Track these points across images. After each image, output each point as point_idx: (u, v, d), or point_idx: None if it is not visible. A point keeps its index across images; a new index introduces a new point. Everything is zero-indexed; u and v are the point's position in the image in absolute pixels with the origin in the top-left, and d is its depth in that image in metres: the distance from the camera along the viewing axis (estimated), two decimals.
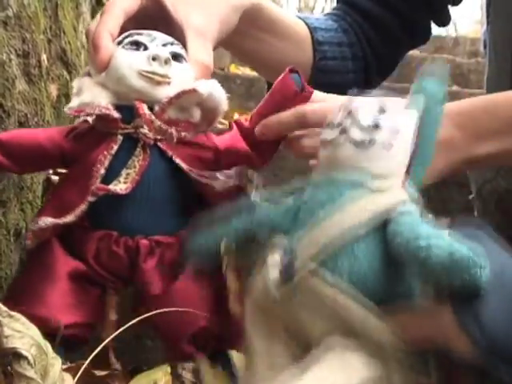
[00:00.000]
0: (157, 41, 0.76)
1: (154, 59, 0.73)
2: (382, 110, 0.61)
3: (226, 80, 2.25)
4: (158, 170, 0.75)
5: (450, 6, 1.21)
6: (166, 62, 0.74)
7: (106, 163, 0.73)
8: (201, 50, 0.82)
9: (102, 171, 0.73)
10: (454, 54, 3.65)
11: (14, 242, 0.95)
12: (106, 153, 0.73)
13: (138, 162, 0.73)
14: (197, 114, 0.77)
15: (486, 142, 0.78)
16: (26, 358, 0.55)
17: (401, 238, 0.56)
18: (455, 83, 3.00)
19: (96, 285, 0.76)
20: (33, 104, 1.00)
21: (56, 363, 0.58)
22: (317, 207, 0.60)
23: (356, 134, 0.60)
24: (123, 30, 0.80)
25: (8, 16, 0.91)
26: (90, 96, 0.74)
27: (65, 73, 1.28)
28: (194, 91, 0.74)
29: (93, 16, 1.70)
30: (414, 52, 3.32)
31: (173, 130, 0.74)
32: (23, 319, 0.58)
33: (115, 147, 0.74)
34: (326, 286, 0.57)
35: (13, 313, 0.57)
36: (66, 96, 1.30)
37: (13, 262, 0.95)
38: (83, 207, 0.72)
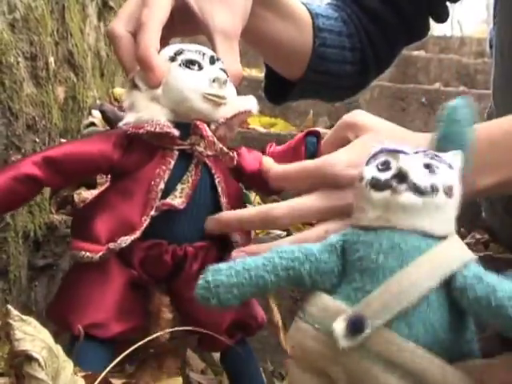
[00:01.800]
0: (206, 57, 0.77)
1: (214, 81, 0.75)
2: (430, 168, 0.61)
3: None
4: (203, 184, 0.77)
5: (448, 3, 1.21)
6: (224, 83, 0.76)
7: (166, 178, 0.74)
8: (232, 58, 0.82)
9: (162, 186, 0.74)
10: (461, 54, 3.65)
11: (23, 245, 0.95)
12: (164, 167, 0.74)
13: (190, 178, 0.75)
14: (236, 129, 0.80)
15: (504, 170, 0.75)
16: (36, 360, 0.55)
17: (475, 292, 0.56)
18: (462, 84, 3.00)
19: (142, 290, 0.78)
20: (40, 107, 1.00)
21: (68, 366, 0.58)
22: (379, 253, 0.59)
23: (411, 195, 0.60)
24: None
25: (15, 19, 0.91)
26: (148, 113, 0.74)
27: (72, 75, 1.29)
28: (249, 112, 0.78)
29: (99, 18, 1.70)
30: (419, 52, 3.33)
31: (235, 155, 0.78)
32: (35, 322, 0.58)
33: (172, 162, 0.75)
34: (400, 340, 0.57)
35: (25, 317, 0.57)
36: (73, 98, 1.31)
37: (21, 265, 0.95)
38: (147, 222, 0.74)
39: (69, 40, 1.26)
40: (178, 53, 0.77)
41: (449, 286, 0.58)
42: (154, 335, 0.74)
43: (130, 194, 0.75)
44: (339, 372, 0.59)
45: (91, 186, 1.19)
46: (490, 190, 0.76)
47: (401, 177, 0.60)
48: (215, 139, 0.75)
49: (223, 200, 0.78)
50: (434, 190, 0.59)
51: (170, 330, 0.76)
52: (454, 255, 0.59)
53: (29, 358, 0.56)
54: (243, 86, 2.50)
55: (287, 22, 1.08)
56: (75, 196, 1.15)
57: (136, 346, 0.71)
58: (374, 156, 0.64)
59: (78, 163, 0.75)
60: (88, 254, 0.73)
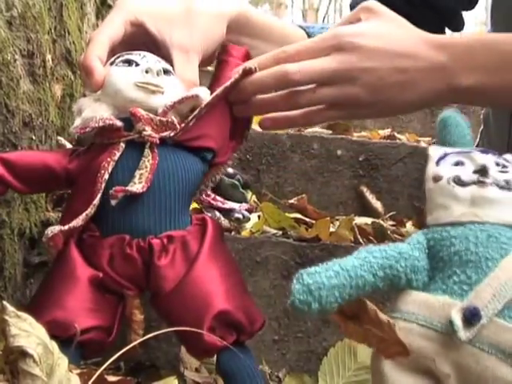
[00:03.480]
0: (147, 58, 0.81)
1: (147, 72, 0.79)
2: (500, 166, 0.64)
3: None
4: (164, 168, 0.77)
5: (463, 12, 1.22)
6: (158, 73, 0.79)
7: (110, 168, 0.76)
8: (186, 68, 0.86)
9: (106, 176, 0.75)
10: None
11: (18, 242, 0.95)
12: (109, 159, 0.76)
13: (148, 162, 0.76)
14: (189, 119, 0.81)
15: (478, 75, 0.81)
16: (31, 356, 0.55)
17: None
18: None
19: (113, 292, 0.78)
20: (37, 104, 1.00)
21: (62, 363, 0.58)
22: (478, 245, 0.61)
23: (496, 190, 0.62)
24: (114, 55, 0.84)
25: (13, 16, 0.91)
26: (91, 111, 0.78)
27: (69, 73, 1.28)
28: (196, 97, 0.80)
29: (97, 16, 1.70)
30: None
31: (174, 118, 0.79)
32: (30, 319, 0.58)
33: (117, 153, 0.77)
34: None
35: (20, 313, 0.58)
36: (70, 96, 1.30)
37: (17, 262, 0.95)
38: (89, 211, 0.75)
39: (66, 38, 1.26)
40: (118, 57, 0.82)
41: None
42: (147, 337, 0.73)
43: (79, 191, 0.78)
44: (448, 368, 0.59)
45: None
46: (467, 93, 0.83)
47: (483, 172, 0.62)
48: (151, 115, 0.77)
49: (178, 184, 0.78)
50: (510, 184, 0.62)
51: (161, 331, 0.74)
52: None
53: (24, 354, 0.56)
54: None
55: (279, 45, 1.09)
56: None
57: (135, 343, 0.71)
58: (443, 157, 0.66)
59: (32, 166, 0.79)
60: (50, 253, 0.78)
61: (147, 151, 0.77)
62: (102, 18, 1.75)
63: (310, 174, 1.55)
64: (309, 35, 1.12)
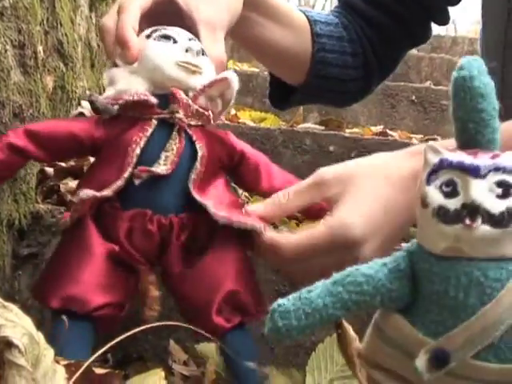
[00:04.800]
0: (182, 35, 0.81)
1: (187, 51, 0.78)
2: (503, 187, 0.55)
3: None
4: (188, 152, 0.78)
5: (448, 6, 1.21)
6: (198, 53, 0.79)
7: (142, 144, 0.76)
8: (214, 46, 0.85)
9: (138, 151, 0.76)
10: (452, 53, 3.65)
11: (7, 233, 0.95)
12: (141, 134, 0.76)
13: (175, 145, 0.77)
14: (219, 104, 0.82)
15: None
16: (17, 346, 0.55)
17: None
18: None
19: (127, 267, 0.78)
20: (28, 95, 1.00)
21: (48, 354, 0.58)
22: (458, 290, 0.56)
23: (486, 228, 0.55)
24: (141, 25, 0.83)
25: (4, 6, 0.91)
26: (126, 84, 0.78)
27: (61, 65, 1.28)
28: (225, 80, 0.79)
29: (91, 9, 1.70)
30: (411, 51, 3.33)
31: (210, 113, 0.79)
32: (16, 309, 0.58)
33: (150, 130, 0.77)
34: (489, 366, 0.56)
35: (6, 303, 0.57)
36: (62, 88, 1.30)
37: (5, 253, 0.95)
38: (120, 183, 0.75)
39: (59, 29, 1.26)
40: (154, 31, 0.81)
41: None
42: (136, 330, 0.73)
43: (107, 161, 0.78)
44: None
45: (78, 175, 1.19)
46: None
47: (473, 208, 0.54)
48: (190, 101, 0.77)
49: (198, 167, 0.78)
50: (510, 215, 0.54)
51: (161, 324, 0.74)
52: None
53: (9, 345, 0.56)
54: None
55: (286, 30, 1.10)
56: (61, 186, 1.15)
57: (122, 336, 0.70)
58: (436, 172, 0.58)
59: (60, 137, 0.78)
60: (64, 220, 0.76)
61: (175, 134, 0.77)
62: (96, 11, 1.74)
63: (302, 170, 1.54)
64: (309, 19, 1.13)
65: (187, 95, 0.78)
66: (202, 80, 0.79)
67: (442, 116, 2.38)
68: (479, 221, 0.54)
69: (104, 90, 1.68)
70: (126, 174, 0.75)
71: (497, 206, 0.54)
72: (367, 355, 0.64)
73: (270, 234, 0.77)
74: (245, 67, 2.88)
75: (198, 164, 0.78)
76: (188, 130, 0.78)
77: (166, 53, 0.78)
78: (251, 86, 2.37)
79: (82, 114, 1.40)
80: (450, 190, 0.56)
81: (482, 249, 0.55)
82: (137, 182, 0.75)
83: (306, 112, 2.28)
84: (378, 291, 0.60)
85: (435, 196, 0.56)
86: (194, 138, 0.78)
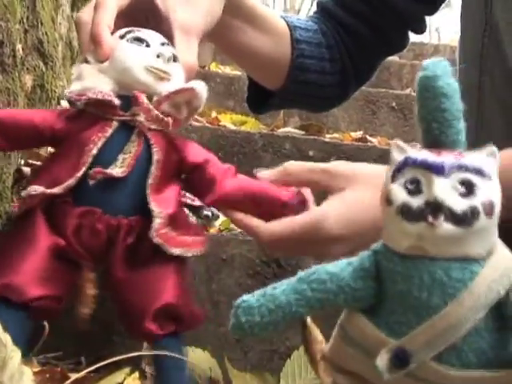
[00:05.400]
0: (156, 39, 0.80)
1: (158, 56, 0.78)
2: (467, 186, 0.55)
3: (205, 78, 2.25)
4: (144, 156, 0.78)
5: (425, 15, 1.22)
6: (169, 59, 0.79)
7: (99, 144, 0.76)
8: (187, 51, 0.85)
9: (95, 151, 0.76)
10: None
11: None
12: (100, 134, 0.76)
13: (133, 148, 0.77)
14: (184, 112, 0.81)
15: None
16: None
17: None
18: None
19: (70, 262, 0.77)
20: (5, 94, 0.99)
21: (15, 356, 0.57)
22: (422, 290, 0.56)
23: (449, 226, 0.54)
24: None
25: None
26: (92, 82, 0.78)
27: (41, 64, 1.27)
28: (192, 90, 0.79)
29: (72, 8, 1.69)
30: (393, 58, 3.34)
31: (169, 120, 0.79)
32: None
33: (110, 130, 0.77)
34: (450, 371, 0.56)
35: None
36: (41, 87, 1.29)
37: None
38: (72, 182, 0.75)
39: (39, 28, 1.25)
40: (129, 32, 0.80)
41: (498, 309, 0.56)
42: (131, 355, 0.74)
43: (64, 156, 0.78)
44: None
45: None
46: None
47: (436, 206, 0.54)
48: (151, 106, 0.77)
49: (154, 172, 0.77)
50: (474, 215, 0.54)
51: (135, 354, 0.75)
52: (500, 278, 0.56)
53: None
54: (217, 83, 2.50)
55: (265, 35, 1.10)
56: None
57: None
58: (401, 169, 0.57)
59: (20, 126, 0.78)
60: (14, 209, 0.77)
61: (134, 137, 0.78)
62: (77, 10, 1.73)
63: None
64: (289, 25, 1.13)
65: (151, 100, 0.78)
66: (170, 86, 0.79)
67: None
68: (442, 218, 0.54)
69: None
70: (80, 174, 0.75)
71: (460, 204, 0.54)
72: (331, 357, 0.64)
73: (251, 219, 0.80)
74: (227, 70, 2.87)
75: (153, 168, 0.78)
76: (147, 134, 0.78)
77: (137, 56, 0.78)
78: (233, 89, 2.37)
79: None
80: (414, 188, 0.55)
81: (445, 248, 0.55)
82: (91, 182, 0.75)
83: (287, 116, 2.29)
84: (342, 290, 0.60)
85: (399, 193, 0.56)
86: (152, 142, 0.78)
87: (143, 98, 0.77)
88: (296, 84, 1.15)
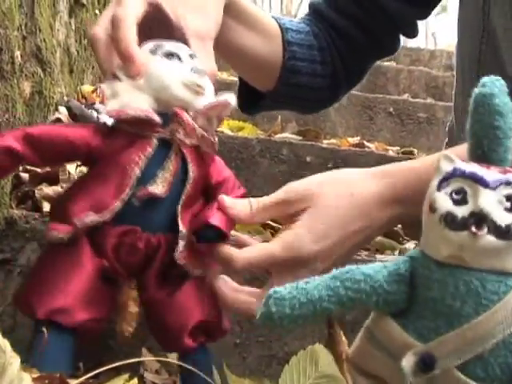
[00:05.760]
0: (184, 52, 0.80)
1: (193, 70, 0.78)
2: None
3: None
4: (180, 173, 0.78)
5: (416, 20, 1.22)
6: (203, 74, 0.79)
7: (142, 165, 0.76)
8: (206, 58, 0.85)
9: (138, 172, 0.75)
10: (430, 66, 3.69)
11: None
12: (141, 154, 0.76)
13: (171, 166, 0.77)
14: (215, 124, 0.81)
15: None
16: None
17: None
18: (430, 95, 3.03)
19: (111, 280, 0.78)
20: (4, 100, 0.99)
21: (14, 362, 0.57)
22: (455, 299, 0.57)
23: (492, 239, 0.55)
24: None
25: None
26: (129, 98, 0.77)
27: (39, 70, 1.28)
28: (227, 104, 0.80)
29: (70, 15, 1.69)
30: (390, 63, 3.36)
31: (211, 138, 0.79)
32: None
33: (150, 150, 0.76)
34: (474, 381, 0.56)
35: None
36: (39, 93, 1.30)
37: None
38: (118, 205, 0.75)
39: (37, 35, 1.25)
40: (159, 46, 0.80)
41: None
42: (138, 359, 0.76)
43: (104, 177, 0.77)
44: None
45: (53, 181, 1.18)
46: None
47: (480, 217, 0.55)
48: (196, 126, 0.77)
49: (188, 189, 0.78)
50: None
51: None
52: None
53: None
54: (214, 89, 2.50)
55: (257, 36, 1.10)
56: (36, 192, 1.14)
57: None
58: (447, 179, 0.58)
59: (57, 143, 0.77)
60: (57, 233, 0.75)
61: (172, 153, 0.77)
62: (75, 17, 1.74)
63: (278, 180, 1.55)
64: (281, 27, 1.13)
65: (188, 114, 0.78)
66: (204, 100, 0.79)
67: (418, 128, 2.40)
68: (485, 230, 0.55)
69: (82, 96, 1.68)
70: (125, 196, 0.75)
71: (504, 218, 0.55)
72: (355, 359, 0.64)
73: (223, 247, 0.79)
74: (224, 76, 2.88)
75: (188, 186, 0.78)
76: (183, 150, 0.78)
77: (174, 72, 0.78)
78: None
79: (59, 120, 1.39)
80: (460, 198, 0.57)
81: (484, 260, 0.56)
82: (137, 203, 0.75)
83: (285, 122, 2.29)
84: (375, 291, 0.60)
85: (444, 202, 0.57)
86: (188, 159, 0.78)
87: (185, 115, 0.76)
88: (287, 86, 1.15)
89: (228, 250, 0.79)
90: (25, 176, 1.19)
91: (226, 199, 0.80)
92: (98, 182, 0.77)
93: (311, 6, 1.23)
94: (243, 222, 0.83)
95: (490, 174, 0.57)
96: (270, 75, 1.14)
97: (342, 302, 0.60)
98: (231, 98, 0.80)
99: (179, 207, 0.77)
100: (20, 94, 1.10)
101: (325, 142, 2.11)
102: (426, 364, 0.57)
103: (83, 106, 1.44)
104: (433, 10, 1.19)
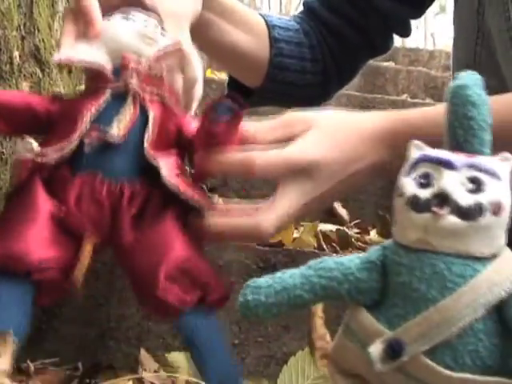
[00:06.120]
0: (139, 16, 0.82)
1: (146, 26, 0.81)
2: (476, 183, 0.57)
3: None
4: (141, 120, 0.78)
5: (410, 19, 1.22)
6: (156, 27, 0.81)
7: (93, 110, 0.76)
8: (179, 35, 0.85)
9: (88, 117, 0.76)
10: (429, 67, 3.68)
11: None
12: (94, 102, 0.77)
13: (128, 112, 0.77)
14: (179, 81, 0.82)
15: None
16: None
17: None
18: (429, 96, 3.03)
19: (73, 233, 0.74)
20: None
21: None
22: (422, 282, 0.57)
23: (454, 219, 0.56)
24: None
25: None
26: (83, 50, 0.79)
27: (38, 71, 1.28)
28: (179, 48, 0.80)
29: None
30: (388, 64, 3.36)
31: (162, 74, 0.80)
32: None
33: (103, 98, 0.77)
34: (442, 370, 0.56)
35: None
36: (38, 94, 1.30)
37: None
38: (66, 145, 0.75)
39: (36, 35, 1.25)
40: (125, 11, 0.83)
41: (499, 312, 0.57)
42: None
43: (60, 129, 0.77)
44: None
45: None
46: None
47: (442, 198, 0.56)
48: (140, 66, 0.78)
49: (150, 135, 0.77)
50: (479, 210, 0.56)
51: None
52: (501, 280, 0.56)
53: None
54: (213, 89, 2.51)
55: (243, 33, 1.10)
56: None
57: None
58: (414, 165, 0.60)
59: (17, 107, 0.78)
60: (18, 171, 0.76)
61: (129, 101, 0.78)
62: None
63: None
64: (267, 24, 1.13)
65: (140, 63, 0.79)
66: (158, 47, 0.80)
67: None
68: (446, 209, 0.56)
69: None
70: (74, 139, 0.75)
71: (466, 198, 0.56)
72: (334, 356, 0.64)
73: (240, 153, 0.79)
74: (223, 76, 2.88)
75: (150, 130, 0.77)
76: (143, 100, 0.78)
77: (126, 26, 0.80)
78: None
79: None
80: (425, 182, 0.58)
81: (449, 242, 0.57)
82: (87, 147, 0.75)
83: None
84: (346, 278, 0.61)
85: (409, 186, 0.58)
86: (147, 107, 0.78)
87: (131, 59, 0.78)
88: (275, 83, 1.15)
89: (247, 153, 0.79)
90: None
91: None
92: (54, 134, 0.78)
93: (305, 4, 1.23)
94: (248, 142, 0.82)
95: (455, 157, 0.58)
96: (257, 72, 1.14)
97: (315, 290, 0.61)
98: (184, 45, 0.81)
99: (146, 146, 0.76)
100: None
101: None
102: (394, 350, 0.57)
103: None
104: (427, 9, 1.19)
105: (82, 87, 1.79)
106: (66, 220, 0.74)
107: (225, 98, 0.78)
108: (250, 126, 0.81)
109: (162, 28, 0.84)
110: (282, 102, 1.25)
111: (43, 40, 1.30)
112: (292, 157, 0.79)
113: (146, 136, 0.77)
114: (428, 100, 2.82)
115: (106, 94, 0.78)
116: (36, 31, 1.24)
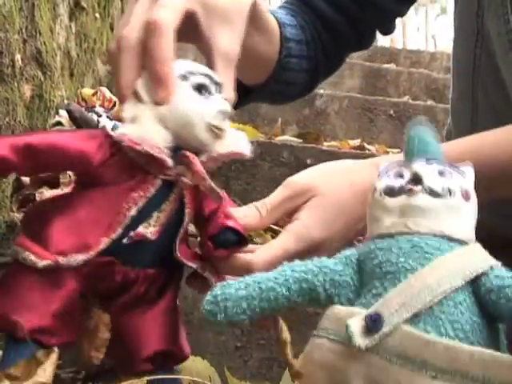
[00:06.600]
0: (213, 83, 0.73)
1: (219, 112, 0.72)
2: (444, 174, 0.60)
3: None
4: (175, 214, 0.73)
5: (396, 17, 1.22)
6: (227, 115, 0.73)
7: (140, 205, 0.70)
8: (229, 86, 0.78)
9: (134, 212, 0.70)
10: (431, 68, 3.69)
11: None
12: (142, 193, 0.70)
13: (168, 207, 0.72)
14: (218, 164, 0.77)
15: None
16: None
17: (506, 294, 0.55)
18: (430, 98, 3.03)
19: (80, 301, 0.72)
20: (4, 103, 0.99)
21: None
22: (400, 256, 0.58)
23: (427, 197, 0.59)
24: None
25: None
26: (150, 132, 0.70)
27: (39, 73, 1.28)
28: (241, 155, 0.74)
29: (70, 18, 1.70)
30: (390, 65, 3.36)
31: (217, 189, 0.72)
32: None
33: (153, 191, 0.71)
34: (427, 337, 0.55)
35: None
36: (39, 97, 1.30)
37: None
38: (107, 243, 0.69)
39: (37, 38, 1.25)
40: (189, 73, 0.72)
41: (477, 289, 0.57)
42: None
43: (97, 207, 0.70)
44: (359, 381, 0.56)
45: (54, 185, 1.18)
46: None
47: (416, 180, 0.59)
48: (205, 175, 0.70)
49: (182, 232, 0.73)
50: (450, 192, 0.59)
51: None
52: (477, 257, 0.58)
53: None
54: None
55: (262, 35, 1.07)
56: (37, 195, 1.14)
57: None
58: (386, 171, 0.63)
59: (58, 158, 0.69)
60: (33, 257, 0.67)
61: (173, 196, 0.72)
62: (76, 20, 1.74)
63: (279, 182, 1.54)
64: (278, 22, 1.10)
65: (198, 156, 0.71)
66: (220, 145, 0.72)
67: None
68: (420, 187, 0.59)
69: (82, 100, 1.68)
70: (115, 236, 0.69)
71: (437, 181, 0.59)
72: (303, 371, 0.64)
73: (238, 256, 0.76)
74: None
75: (182, 230, 0.73)
76: (184, 192, 0.73)
77: (202, 110, 0.71)
78: None
79: (59, 123, 1.39)
80: (398, 176, 0.61)
81: (424, 222, 0.59)
82: (125, 241, 0.69)
83: (285, 125, 2.29)
84: (321, 270, 0.61)
85: (383, 182, 0.62)
86: (186, 201, 0.73)
87: (198, 164, 0.70)
88: (276, 83, 1.12)
89: (244, 256, 0.76)
90: (25, 179, 1.19)
91: (234, 211, 0.78)
92: (88, 210, 0.70)
93: None
94: (256, 229, 0.81)
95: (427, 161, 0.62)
96: (264, 72, 1.11)
97: (289, 283, 0.60)
98: (246, 149, 0.74)
99: (176, 249, 0.73)
100: (20, 97, 1.10)
101: (325, 144, 2.11)
102: (373, 322, 0.55)
103: (83, 109, 1.45)
104: (410, 7, 1.19)
105: (84, 90, 1.80)
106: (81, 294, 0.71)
107: (225, 229, 0.74)
108: (255, 211, 0.79)
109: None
110: (271, 100, 1.23)
111: (45, 43, 1.30)
112: (293, 247, 0.77)
113: (178, 237, 0.73)
114: (429, 102, 2.82)
115: (156, 185, 0.71)
116: (38, 34, 1.25)
